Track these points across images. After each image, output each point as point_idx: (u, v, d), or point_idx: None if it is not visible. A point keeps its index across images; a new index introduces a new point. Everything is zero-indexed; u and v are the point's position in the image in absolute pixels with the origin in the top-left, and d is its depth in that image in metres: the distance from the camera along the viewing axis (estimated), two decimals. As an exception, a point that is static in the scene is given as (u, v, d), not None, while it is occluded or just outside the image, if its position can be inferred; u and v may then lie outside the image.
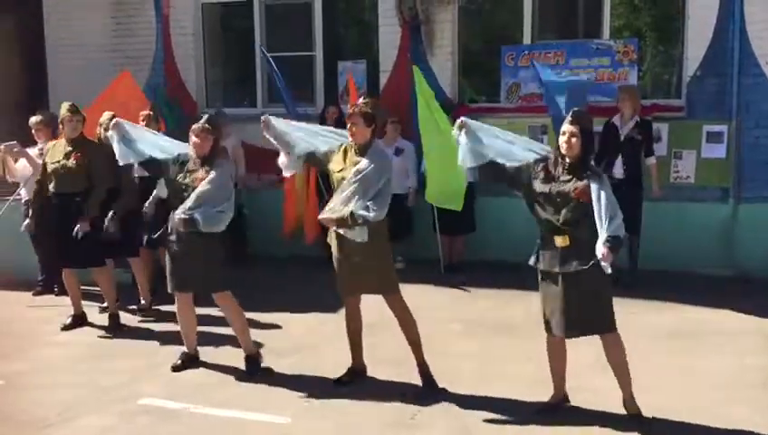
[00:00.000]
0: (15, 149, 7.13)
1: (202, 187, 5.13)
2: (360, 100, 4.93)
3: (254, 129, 9.11)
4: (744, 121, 7.70)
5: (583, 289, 4.29)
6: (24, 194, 7.53)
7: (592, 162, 4.40)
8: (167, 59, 9.62)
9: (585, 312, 4.33)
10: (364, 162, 4.77)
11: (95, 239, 6.32)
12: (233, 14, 10.06)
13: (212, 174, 5.17)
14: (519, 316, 6.62)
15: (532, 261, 4.50)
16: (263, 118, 5.14)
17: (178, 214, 5.11)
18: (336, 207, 4.73)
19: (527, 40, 8.53)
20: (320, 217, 4.82)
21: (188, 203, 5.12)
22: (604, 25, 8.28)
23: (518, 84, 8.47)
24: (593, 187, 4.19)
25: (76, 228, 6.22)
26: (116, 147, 5.46)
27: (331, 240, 5.02)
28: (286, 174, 5.45)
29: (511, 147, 4.57)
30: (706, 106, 7.83)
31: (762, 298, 6.85)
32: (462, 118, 4.62)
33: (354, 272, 4.93)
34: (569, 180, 4.27)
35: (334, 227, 4.81)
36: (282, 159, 5.17)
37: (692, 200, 7.85)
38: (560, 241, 4.31)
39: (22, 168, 7.40)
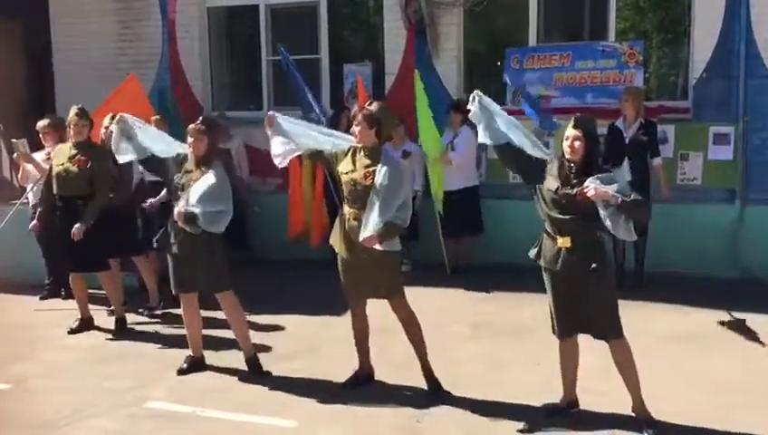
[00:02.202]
0: (22, 149, 7.14)
1: (200, 186, 5.16)
2: (374, 104, 4.93)
3: (260, 132, 9.17)
4: (751, 123, 7.67)
5: (584, 290, 4.32)
6: (31, 198, 7.56)
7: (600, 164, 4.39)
8: (173, 63, 9.64)
9: (586, 312, 4.36)
10: (380, 176, 4.73)
11: (98, 243, 6.35)
12: (238, 18, 10.08)
13: (209, 174, 5.20)
14: (526, 319, 6.61)
15: (532, 254, 4.53)
16: (268, 114, 5.17)
17: (178, 208, 5.13)
18: (370, 225, 4.68)
19: (532, 42, 8.53)
20: (362, 240, 4.68)
21: (189, 199, 5.15)
22: (610, 27, 8.26)
23: (524, 86, 8.46)
24: (596, 185, 4.14)
25: (72, 232, 6.21)
26: (115, 142, 5.46)
27: (337, 245, 5.01)
28: (281, 164, 5.23)
29: (523, 138, 4.53)
30: (713, 108, 7.81)
31: (769, 300, 6.83)
32: (476, 91, 4.59)
33: (361, 277, 4.93)
34: (575, 184, 4.26)
35: (377, 246, 4.71)
36: (276, 150, 5.12)
37: (698, 202, 7.83)
38: (562, 242, 4.33)
39: (29, 171, 7.43)
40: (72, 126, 6.38)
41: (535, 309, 6.83)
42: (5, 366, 5.75)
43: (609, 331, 4.38)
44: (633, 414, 4.45)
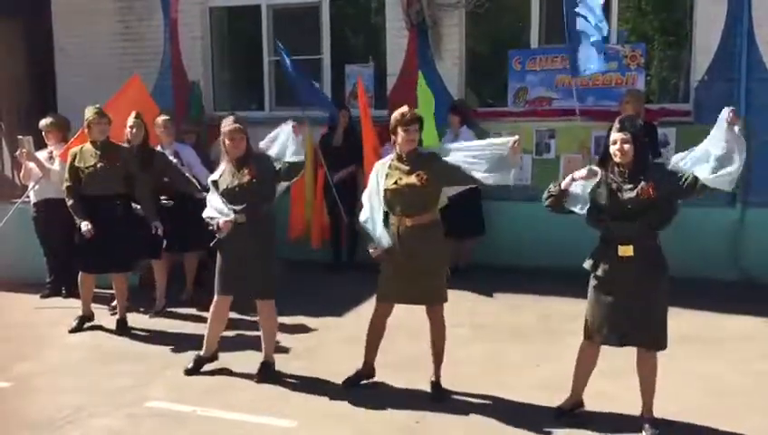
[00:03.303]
0: (27, 146, 7.15)
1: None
2: (405, 109, 4.90)
3: (261, 132, 9.20)
4: (752, 126, 7.67)
5: (641, 300, 4.27)
6: (32, 197, 7.57)
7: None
8: (175, 62, 9.66)
9: (639, 323, 4.29)
10: (446, 151, 4.87)
11: (132, 245, 6.42)
12: (240, 18, 10.09)
13: (258, 169, 5.25)
14: (527, 321, 6.62)
15: (587, 265, 4.41)
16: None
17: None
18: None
19: (534, 44, 8.54)
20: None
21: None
22: (612, 30, 8.26)
23: (525, 88, 8.48)
24: (657, 179, 4.19)
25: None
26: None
27: (394, 250, 4.87)
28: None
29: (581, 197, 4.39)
30: (714, 110, 7.66)
31: (769, 303, 6.83)
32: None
33: (412, 283, 4.87)
34: (632, 187, 4.21)
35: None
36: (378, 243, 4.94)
37: (699, 205, 7.79)
38: (623, 250, 4.24)
39: (30, 169, 7.44)
40: (93, 126, 6.33)
41: (536, 311, 6.87)
42: (7, 364, 5.76)
43: (656, 343, 4.34)
44: (639, 415, 4.45)
